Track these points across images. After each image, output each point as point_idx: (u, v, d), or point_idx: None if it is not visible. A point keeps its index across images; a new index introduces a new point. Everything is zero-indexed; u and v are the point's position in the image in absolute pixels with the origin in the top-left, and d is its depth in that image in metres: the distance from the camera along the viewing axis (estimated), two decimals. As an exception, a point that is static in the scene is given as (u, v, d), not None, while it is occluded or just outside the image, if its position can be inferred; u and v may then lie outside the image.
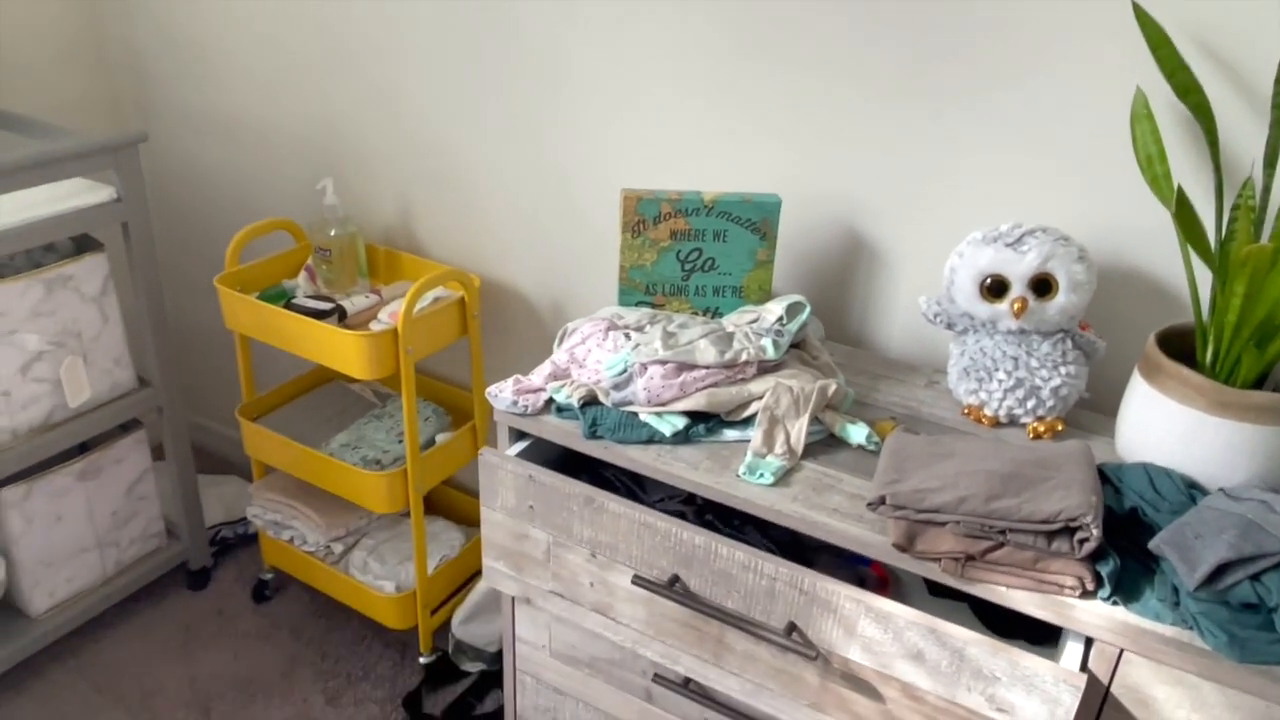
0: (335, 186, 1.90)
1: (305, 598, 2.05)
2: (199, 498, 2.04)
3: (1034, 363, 1.17)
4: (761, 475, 1.08)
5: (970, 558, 0.96)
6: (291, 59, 1.86)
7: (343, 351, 1.57)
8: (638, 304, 1.37)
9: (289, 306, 1.68)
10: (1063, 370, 1.17)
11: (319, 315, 1.64)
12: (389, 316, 1.68)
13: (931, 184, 1.32)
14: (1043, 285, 1.14)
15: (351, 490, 1.71)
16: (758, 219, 1.32)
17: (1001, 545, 0.95)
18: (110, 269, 1.75)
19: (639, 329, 1.28)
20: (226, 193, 2.12)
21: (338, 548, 1.87)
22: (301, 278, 1.81)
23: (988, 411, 1.21)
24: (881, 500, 0.99)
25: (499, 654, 1.84)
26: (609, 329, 1.27)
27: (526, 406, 1.21)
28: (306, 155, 1.94)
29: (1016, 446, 1.07)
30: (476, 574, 1.92)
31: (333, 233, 1.75)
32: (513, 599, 1.29)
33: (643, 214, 1.32)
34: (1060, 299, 1.14)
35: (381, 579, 1.82)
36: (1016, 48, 1.20)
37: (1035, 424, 1.19)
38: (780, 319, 1.25)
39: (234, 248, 1.76)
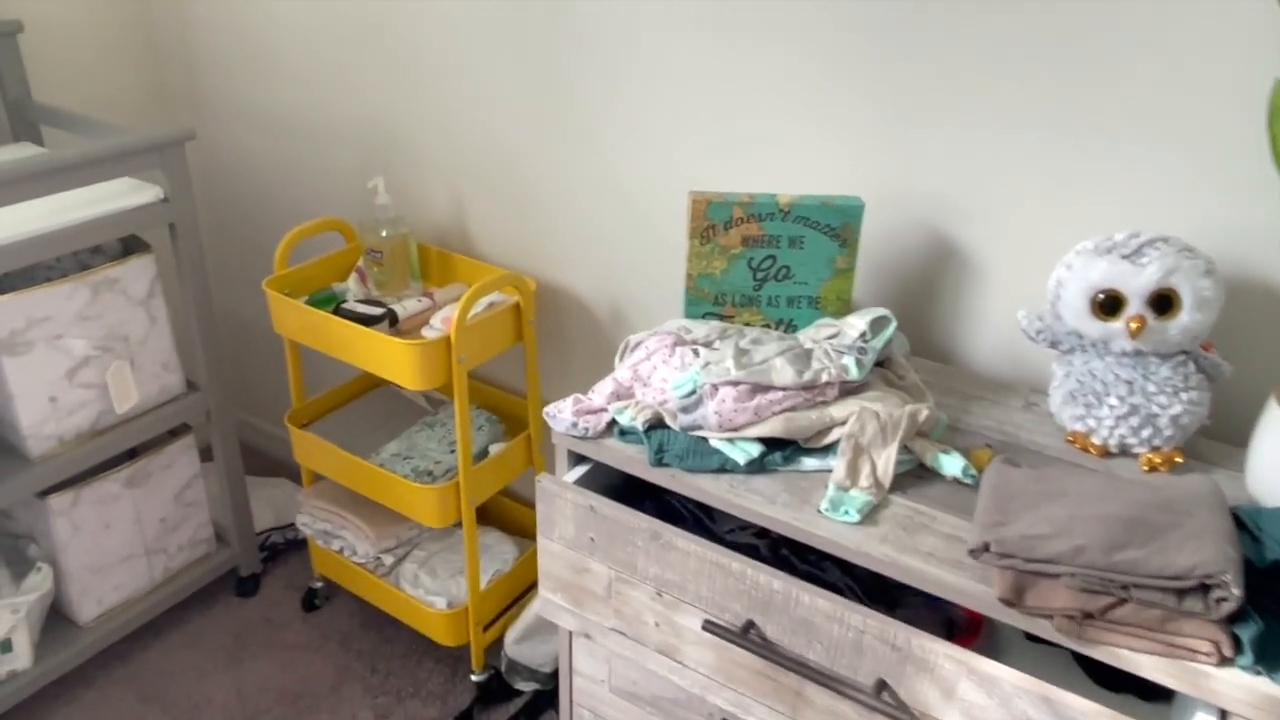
0: (387, 185, 1.83)
1: (355, 607, 2.00)
2: (249, 504, 1.99)
3: (1151, 387, 1.05)
4: (846, 512, 0.98)
5: (1088, 615, 0.85)
6: (345, 54, 1.79)
7: (393, 360, 1.50)
8: (705, 315, 1.27)
9: (338, 311, 1.61)
10: (1184, 396, 1.05)
11: (369, 321, 1.57)
12: (441, 322, 1.60)
13: (1031, 183, 1.20)
14: (1163, 302, 1.02)
15: (402, 502, 1.64)
16: (838, 224, 1.21)
17: (1124, 602, 0.84)
18: (157, 271, 1.70)
19: (708, 344, 1.18)
20: (280, 189, 2.06)
21: (388, 559, 1.81)
22: (352, 280, 1.74)
23: (1096, 440, 1.09)
24: (985, 547, 0.89)
25: (554, 674, 1.76)
26: (675, 344, 1.17)
27: (587, 429, 1.12)
28: (359, 152, 1.87)
29: (1136, 484, 0.95)
30: (530, 588, 1.85)
31: (384, 234, 1.67)
32: (570, 632, 1.21)
33: (712, 219, 1.22)
34: (1183, 318, 1.01)
35: (433, 594, 1.75)
36: (1135, 29, 1.08)
37: (1150, 455, 1.07)
38: (863, 335, 1.15)
39: (283, 249, 1.69)
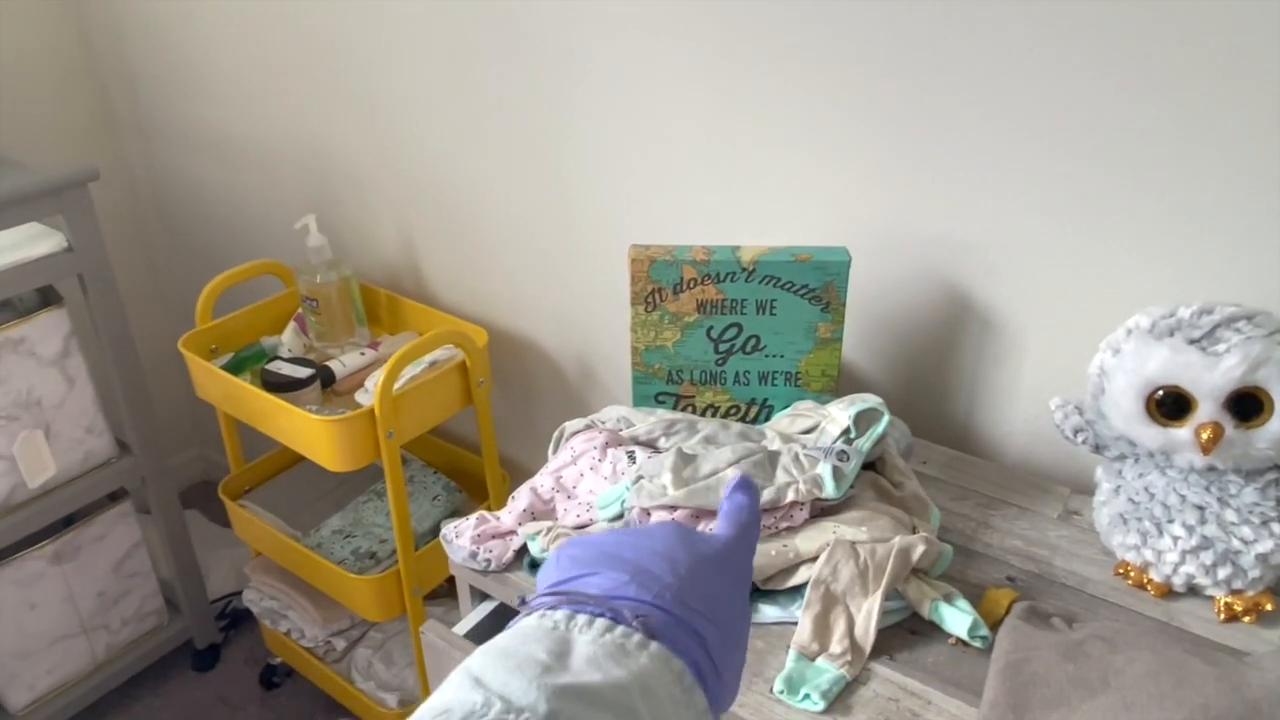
0: (331, 222, 1.61)
1: (317, 688, 1.80)
2: (198, 570, 1.80)
3: (1230, 516, 0.78)
4: (807, 696, 0.73)
5: None
6: (294, 79, 1.56)
7: (309, 437, 1.28)
8: (657, 396, 1.03)
9: (264, 372, 1.39)
10: (1276, 528, 0.77)
11: (293, 386, 1.35)
12: (375, 385, 1.38)
13: (1074, 222, 0.93)
14: (1247, 404, 0.74)
15: (338, 591, 1.42)
16: (818, 284, 0.95)
17: None
18: (72, 327, 1.51)
19: (650, 442, 0.94)
20: (229, 220, 1.86)
21: (340, 643, 1.60)
22: (289, 331, 1.53)
23: (1155, 575, 0.82)
24: (989, 778, 0.63)
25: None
26: (607, 444, 0.93)
27: (489, 560, 0.88)
28: (308, 183, 1.65)
29: (1209, 671, 0.68)
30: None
31: (319, 279, 1.46)
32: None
33: (658, 281, 0.97)
34: (1275, 426, 0.74)
35: (385, 689, 1.53)
36: (1218, 37, 0.80)
37: (1229, 599, 0.80)
38: (847, 432, 0.89)
39: (205, 299, 1.48)
